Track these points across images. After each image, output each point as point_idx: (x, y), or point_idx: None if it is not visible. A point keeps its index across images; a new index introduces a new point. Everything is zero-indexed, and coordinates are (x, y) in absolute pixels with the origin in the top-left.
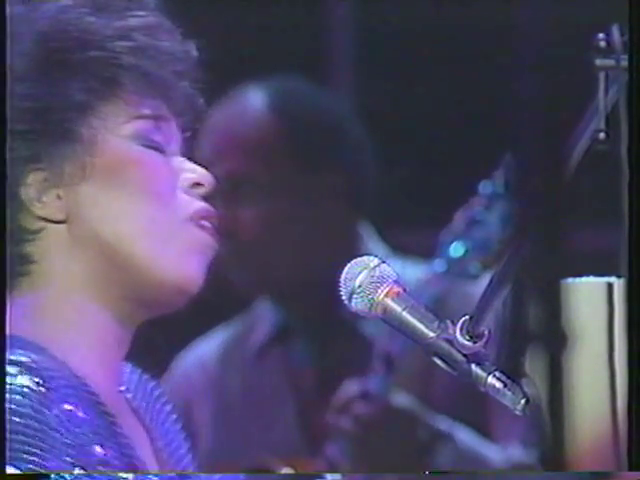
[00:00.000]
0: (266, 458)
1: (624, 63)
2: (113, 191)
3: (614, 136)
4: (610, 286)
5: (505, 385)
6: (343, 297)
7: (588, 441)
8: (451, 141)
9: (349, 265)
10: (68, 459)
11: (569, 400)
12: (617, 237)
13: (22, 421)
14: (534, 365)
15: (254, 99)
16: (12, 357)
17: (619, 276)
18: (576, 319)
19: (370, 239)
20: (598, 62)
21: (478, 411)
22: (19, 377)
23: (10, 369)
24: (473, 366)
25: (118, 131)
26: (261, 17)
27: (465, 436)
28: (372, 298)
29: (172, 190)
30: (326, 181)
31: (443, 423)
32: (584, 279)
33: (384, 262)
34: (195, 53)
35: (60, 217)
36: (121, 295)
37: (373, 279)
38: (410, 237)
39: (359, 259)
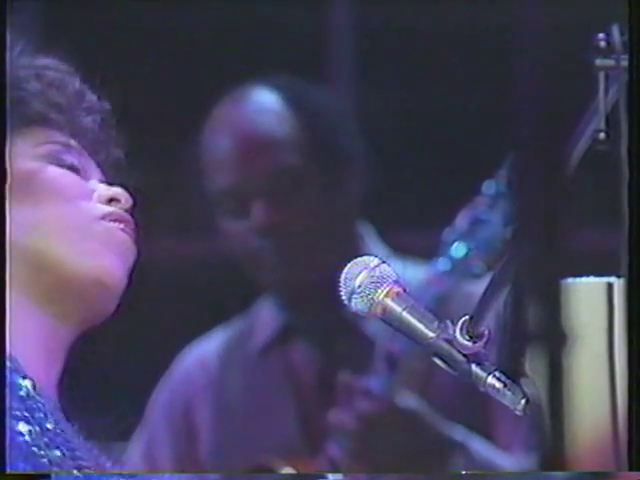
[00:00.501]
0: (267, 458)
1: (624, 63)
2: (24, 203)
3: (614, 136)
4: (610, 286)
5: (505, 385)
6: (343, 297)
7: (588, 441)
8: (451, 141)
9: (349, 265)
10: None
11: (569, 400)
12: (617, 237)
13: None
14: (534, 365)
15: (269, 97)
16: None
17: (619, 276)
18: (576, 319)
19: (371, 239)
20: (598, 62)
21: (480, 413)
22: None
23: None
24: (473, 366)
25: (29, 153)
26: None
27: (479, 446)
28: (372, 298)
29: (85, 199)
30: (334, 182)
31: (458, 432)
32: (584, 279)
33: (384, 262)
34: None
35: None
36: (46, 295)
37: (373, 279)
38: (411, 237)
39: (359, 259)
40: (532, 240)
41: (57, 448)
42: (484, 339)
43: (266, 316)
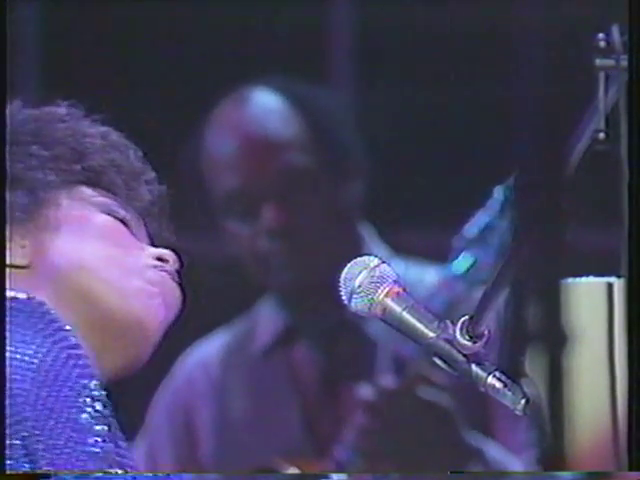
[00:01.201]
0: (271, 458)
1: (624, 63)
2: (76, 237)
3: (614, 136)
4: (610, 286)
5: (505, 385)
6: (343, 297)
7: (588, 441)
8: (452, 141)
9: (349, 265)
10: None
11: (569, 400)
12: (617, 237)
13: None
14: (534, 365)
15: (271, 98)
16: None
17: (619, 276)
18: (576, 319)
19: (372, 239)
20: (598, 62)
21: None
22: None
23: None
24: (473, 366)
25: (86, 200)
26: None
27: (495, 452)
28: (372, 298)
29: (136, 250)
30: (338, 182)
31: (474, 439)
32: (584, 279)
33: (384, 262)
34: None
35: (23, 263)
36: (89, 328)
37: (373, 279)
38: (412, 237)
39: (359, 259)
40: (532, 240)
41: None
42: (484, 339)
43: (267, 317)
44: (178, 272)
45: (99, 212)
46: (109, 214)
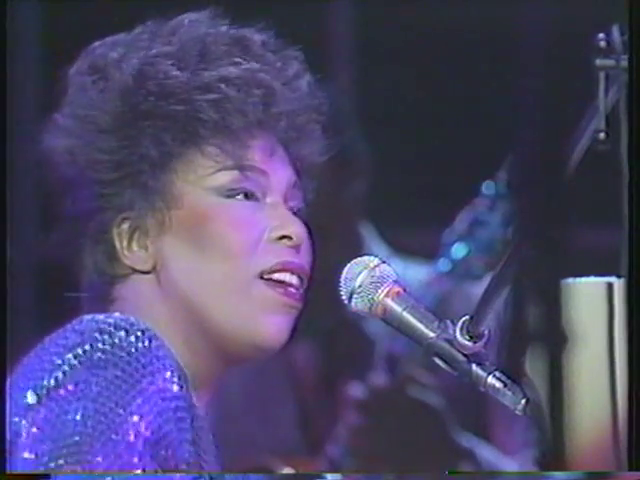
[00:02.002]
0: (267, 458)
1: (624, 63)
2: (191, 245)
3: (614, 136)
4: (610, 286)
5: (505, 385)
6: (343, 297)
7: (588, 441)
8: (452, 141)
9: (349, 265)
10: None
11: (569, 400)
12: (617, 237)
13: (121, 375)
14: (534, 365)
15: None
16: (127, 317)
17: (619, 276)
18: (576, 319)
19: (372, 239)
20: (598, 62)
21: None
22: (131, 335)
23: (123, 324)
24: (473, 366)
25: (201, 184)
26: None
27: (486, 453)
28: (372, 298)
29: (254, 245)
30: (339, 182)
31: (466, 439)
32: (584, 279)
33: (384, 262)
34: (304, 82)
35: (146, 267)
36: (202, 344)
37: (373, 279)
38: (412, 237)
39: (359, 259)
40: (532, 240)
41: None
42: (484, 339)
43: None
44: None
45: (217, 201)
46: (229, 195)
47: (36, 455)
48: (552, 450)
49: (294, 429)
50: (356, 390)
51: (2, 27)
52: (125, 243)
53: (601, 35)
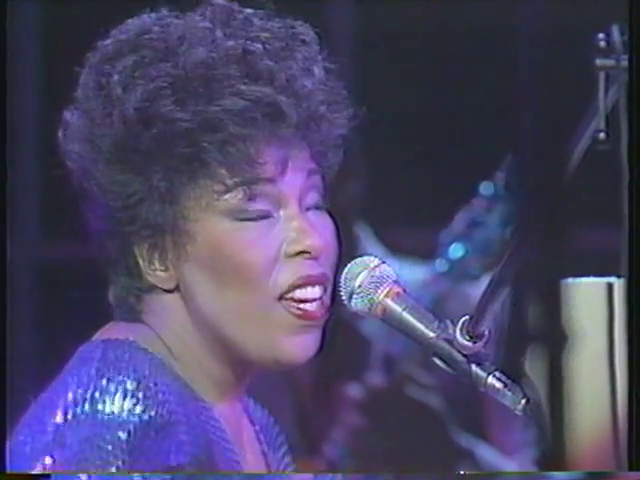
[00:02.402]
0: None
1: (624, 63)
2: (209, 272)
3: (614, 136)
4: (610, 286)
5: (505, 385)
6: (343, 297)
7: (588, 441)
8: (449, 141)
9: (349, 265)
10: None
11: (569, 400)
12: (617, 237)
13: (123, 436)
14: (534, 365)
15: None
16: (132, 373)
17: (619, 276)
18: (576, 319)
19: (368, 239)
20: (598, 62)
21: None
22: (133, 396)
23: (128, 385)
24: (473, 366)
25: (211, 209)
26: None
27: (486, 453)
28: (372, 298)
29: (271, 263)
30: (336, 181)
31: (464, 439)
32: (584, 279)
33: (384, 262)
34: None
35: (169, 286)
36: (228, 357)
37: (373, 279)
38: (409, 237)
39: (359, 259)
40: (532, 240)
41: None
42: (484, 339)
43: None
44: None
45: (229, 226)
46: (241, 218)
47: None
48: (552, 450)
49: (292, 429)
50: (354, 390)
51: (2, 27)
52: (147, 262)
53: (601, 35)
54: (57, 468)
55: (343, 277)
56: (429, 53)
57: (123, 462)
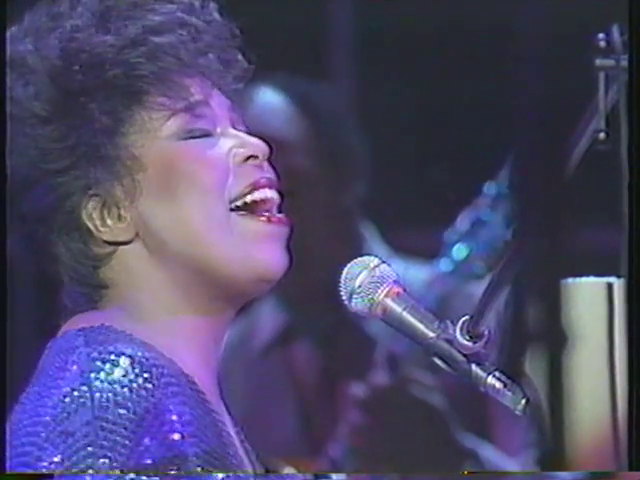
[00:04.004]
0: (269, 458)
1: (624, 63)
2: (166, 197)
3: (614, 136)
4: (610, 286)
5: (505, 385)
6: (343, 297)
7: (588, 441)
8: (452, 141)
9: (349, 265)
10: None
11: (569, 400)
12: (617, 237)
13: (125, 414)
14: (534, 365)
15: (274, 97)
16: (123, 350)
17: (619, 276)
18: (576, 319)
19: (373, 239)
20: (598, 62)
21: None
22: (129, 371)
23: (121, 361)
24: (473, 366)
25: (157, 135)
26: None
27: (488, 453)
28: (372, 298)
29: (224, 173)
30: (339, 182)
31: (468, 440)
32: (584, 279)
33: (384, 262)
34: (213, 11)
35: (128, 237)
36: (207, 295)
37: (373, 279)
38: (413, 237)
39: (359, 259)
40: (532, 240)
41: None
42: (484, 339)
43: (267, 316)
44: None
45: (176, 144)
46: (186, 137)
47: None
48: (552, 450)
49: (295, 429)
50: (357, 390)
51: (2, 27)
52: (98, 221)
53: (601, 35)
54: (65, 459)
55: (343, 277)
56: (430, 53)
57: (130, 441)
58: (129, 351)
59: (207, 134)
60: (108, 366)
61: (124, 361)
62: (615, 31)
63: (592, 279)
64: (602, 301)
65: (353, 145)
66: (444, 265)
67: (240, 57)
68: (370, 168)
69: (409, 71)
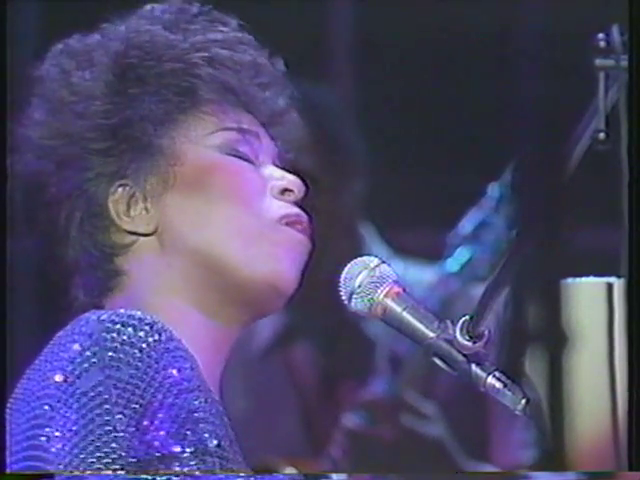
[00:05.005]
0: (270, 458)
1: (624, 63)
2: (197, 198)
3: (614, 136)
4: (610, 286)
5: (505, 385)
6: (343, 297)
7: (588, 441)
8: (452, 141)
9: (349, 265)
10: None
11: (569, 400)
12: (617, 237)
13: (135, 373)
14: (534, 365)
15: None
16: (132, 313)
17: (619, 276)
18: (576, 319)
19: (372, 239)
20: (598, 62)
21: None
22: (139, 332)
23: (131, 323)
24: (473, 366)
25: (202, 142)
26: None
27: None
28: (372, 298)
29: (260, 196)
30: (340, 182)
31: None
32: (584, 279)
33: (384, 262)
34: (281, 65)
35: (149, 230)
36: (218, 299)
37: (373, 279)
38: (413, 238)
39: (359, 259)
40: (532, 240)
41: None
42: (484, 339)
43: (268, 318)
44: (301, 207)
45: (220, 155)
46: (230, 154)
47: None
48: (552, 450)
49: (296, 429)
50: (357, 392)
51: (2, 27)
52: (123, 208)
53: (601, 35)
54: (80, 418)
55: (343, 277)
56: (430, 53)
57: (142, 398)
58: (139, 314)
59: (249, 160)
60: (118, 326)
61: (134, 323)
62: (615, 31)
63: (592, 279)
64: (602, 301)
65: (353, 145)
66: (448, 267)
67: (288, 104)
68: (370, 168)
69: (409, 71)
